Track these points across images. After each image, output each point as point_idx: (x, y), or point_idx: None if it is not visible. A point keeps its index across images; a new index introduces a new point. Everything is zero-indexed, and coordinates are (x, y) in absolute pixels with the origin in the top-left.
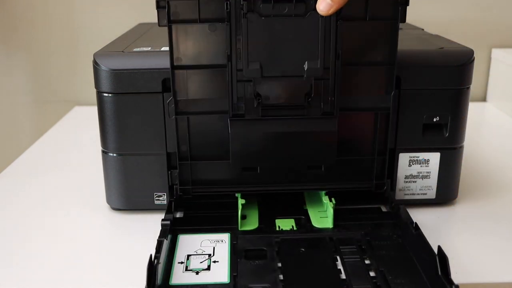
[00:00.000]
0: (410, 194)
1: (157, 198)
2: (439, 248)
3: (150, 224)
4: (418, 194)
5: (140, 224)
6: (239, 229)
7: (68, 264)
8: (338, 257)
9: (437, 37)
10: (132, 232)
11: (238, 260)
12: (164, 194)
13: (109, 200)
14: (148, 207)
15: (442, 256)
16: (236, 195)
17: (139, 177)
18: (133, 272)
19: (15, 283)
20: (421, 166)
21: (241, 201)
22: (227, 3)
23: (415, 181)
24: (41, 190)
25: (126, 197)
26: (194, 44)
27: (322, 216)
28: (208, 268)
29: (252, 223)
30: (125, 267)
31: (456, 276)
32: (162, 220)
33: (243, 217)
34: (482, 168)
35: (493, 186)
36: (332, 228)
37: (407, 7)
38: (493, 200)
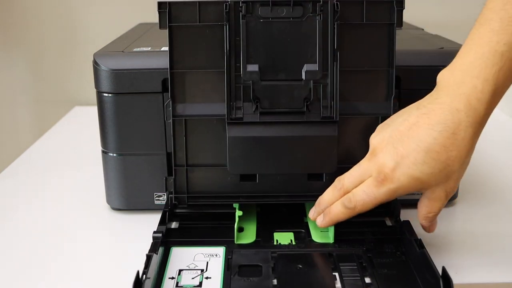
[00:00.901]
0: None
1: (157, 198)
2: (443, 269)
3: (150, 224)
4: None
5: (140, 224)
6: (236, 242)
7: (68, 264)
8: (337, 275)
9: (437, 37)
10: (132, 232)
11: (232, 276)
12: (164, 194)
13: (109, 200)
14: (148, 207)
15: (446, 278)
16: (234, 206)
17: (139, 177)
18: (133, 272)
19: (15, 282)
20: None
21: (238, 213)
22: (226, 5)
23: None
24: (41, 190)
25: (126, 197)
26: (193, 47)
27: (323, 230)
28: (200, 285)
29: (249, 236)
30: (125, 267)
31: (456, 276)
32: (154, 232)
33: (240, 229)
34: (482, 168)
35: (493, 186)
36: (332, 243)
37: (407, 7)
38: (493, 200)
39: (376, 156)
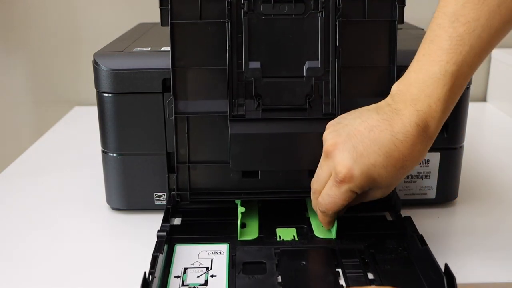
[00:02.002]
0: (410, 194)
1: (157, 198)
2: (446, 266)
3: (150, 224)
4: (418, 194)
5: (140, 224)
6: (239, 238)
7: (68, 264)
8: (340, 271)
9: None
10: (132, 232)
11: (237, 274)
12: (164, 194)
13: (109, 200)
14: (148, 207)
15: (449, 275)
16: (236, 202)
17: (139, 177)
18: (133, 272)
19: (15, 283)
20: (421, 166)
21: (241, 209)
22: (228, 2)
23: (415, 181)
24: (41, 190)
25: (126, 197)
26: (195, 44)
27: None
28: (206, 283)
29: (252, 233)
30: (125, 267)
31: (456, 276)
32: (158, 231)
33: (243, 225)
34: (482, 168)
35: (493, 186)
36: (335, 238)
37: (406, 7)
38: (493, 200)
39: (333, 155)
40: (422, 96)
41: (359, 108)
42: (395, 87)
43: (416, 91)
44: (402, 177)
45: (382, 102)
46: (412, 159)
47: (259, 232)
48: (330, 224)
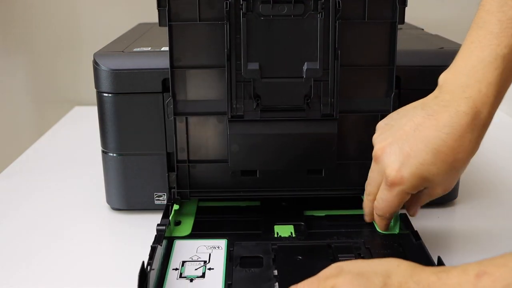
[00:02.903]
0: None
1: (157, 198)
2: (439, 259)
3: (150, 224)
4: None
5: (140, 224)
6: (172, 234)
7: (68, 264)
8: None
9: (437, 37)
10: (132, 232)
11: (234, 267)
12: (164, 194)
13: (109, 200)
14: (148, 207)
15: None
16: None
17: (139, 177)
18: (133, 272)
19: (15, 282)
20: None
21: (175, 207)
22: (226, 3)
23: None
24: (41, 190)
25: (126, 197)
26: (194, 44)
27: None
28: (203, 276)
29: (185, 230)
30: (125, 267)
31: None
32: (158, 225)
33: (178, 223)
34: (482, 168)
35: (493, 186)
36: (398, 233)
37: (407, 8)
38: (493, 200)
39: (381, 159)
40: (472, 82)
41: (407, 105)
42: (442, 77)
43: (465, 78)
44: (460, 171)
45: (430, 96)
46: (464, 150)
47: (258, 229)
48: (386, 226)
